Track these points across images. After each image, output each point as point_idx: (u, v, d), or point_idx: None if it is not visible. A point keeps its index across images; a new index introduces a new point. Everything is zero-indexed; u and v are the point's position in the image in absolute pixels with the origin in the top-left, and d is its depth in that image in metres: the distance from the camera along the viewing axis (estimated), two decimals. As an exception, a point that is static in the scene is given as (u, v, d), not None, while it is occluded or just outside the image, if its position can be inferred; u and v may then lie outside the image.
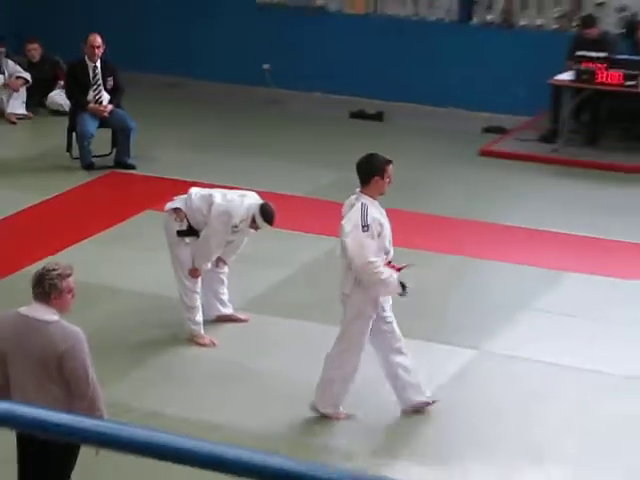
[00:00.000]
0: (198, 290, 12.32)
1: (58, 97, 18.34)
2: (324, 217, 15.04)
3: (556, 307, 13.03)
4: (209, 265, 12.44)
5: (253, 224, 12.30)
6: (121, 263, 13.88)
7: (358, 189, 11.00)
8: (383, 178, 10.98)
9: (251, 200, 12.31)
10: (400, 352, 11.18)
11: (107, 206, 15.45)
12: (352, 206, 11.01)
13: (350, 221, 10.85)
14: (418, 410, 11.26)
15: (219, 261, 12.64)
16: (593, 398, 11.44)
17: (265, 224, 12.33)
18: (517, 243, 14.69)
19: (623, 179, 16.40)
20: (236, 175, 15.91)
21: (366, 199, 10.92)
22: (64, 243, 13.95)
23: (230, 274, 12.91)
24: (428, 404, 11.27)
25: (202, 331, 12.32)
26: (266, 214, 12.21)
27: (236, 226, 12.22)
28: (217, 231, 12.17)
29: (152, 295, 13.23)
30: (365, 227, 10.70)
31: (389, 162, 11.20)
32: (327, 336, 12.17)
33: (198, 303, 12.35)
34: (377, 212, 11.01)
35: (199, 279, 12.36)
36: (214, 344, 12.36)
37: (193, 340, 12.31)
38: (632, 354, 12.14)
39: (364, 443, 10.86)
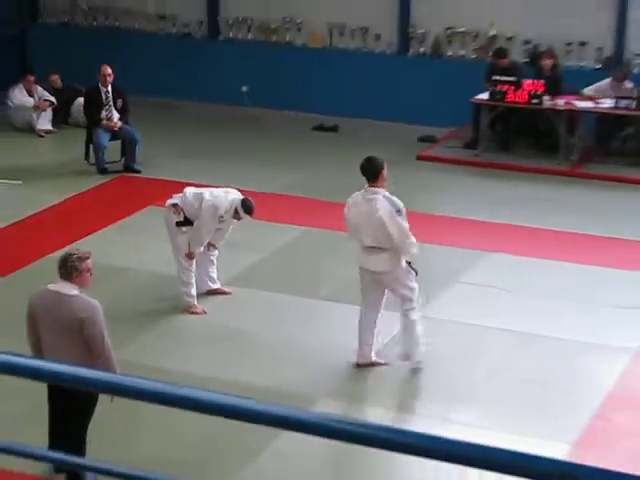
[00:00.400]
0: (193, 269, 12.42)
1: (77, 113, 18.35)
2: (292, 210, 15.33)
3: (478, 280, 13.10)
4: (202, 249, 12.50)
5: (236, 215, 12.40)
6: (128, 248, 13.92)
7: (366, 185, 11.06)
8: (385, 171, 11.11)
9: (234, 195, 12.43)
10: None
11: (117, 203, 15.49)
12: (369, 200, 11.00)
13: (384, 212, 10.82)
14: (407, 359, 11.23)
15: (210, 245, 12.70)
16: (508, 352, 11.56)
17: (246, 215, 12.43)
18: (446, 229, 14.64)
19: (529, 178, 16.30)
20: (221, 176, 15.47)
21: (382, 190, 11.02)
22: (82, 233, 13.96)
23: (218, 256, 12.92)
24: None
25: (196, 302, 12.45)
26: (246, 207, 12.32)
27: (222, 217, 12.33)
28: (206, 221, 12.23)
29: (154, 273, 13.28)
30: (399, 212, 10.82)
31: (384, 160, 11.31)
32: (294, 304, 12.73)
33: (193, 280, 12.45)
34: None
35: (194, 260, 12.45)
36: (205, 312, 12.48)
37: (188, 310, 12.43)
38: (537, 318, 12.16)
39: (323, 388, 10.88)
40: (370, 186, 11.04)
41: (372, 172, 11.11)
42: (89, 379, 4.37)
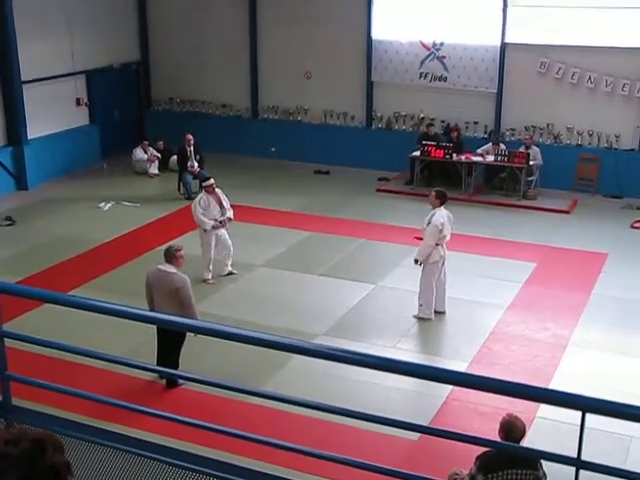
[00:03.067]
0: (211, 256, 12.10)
1: (173, 163, 18.50)
2: (301, 221, 15.08)
3: (412, 264, 11.67)
4: (209, 225, 12.02)
5: (206, 189, 12.17)
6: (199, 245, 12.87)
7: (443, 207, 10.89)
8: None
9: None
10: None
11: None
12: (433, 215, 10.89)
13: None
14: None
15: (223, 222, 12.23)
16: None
17: (204, 183, 12.28)
18: (394, 233, 14.23)
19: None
20: (258, 201, 15.76)
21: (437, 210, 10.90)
22: (175, 234, 13.62)
23: (252, 249, 12.79)
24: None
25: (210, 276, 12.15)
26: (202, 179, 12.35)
27: (200, 201, 12.09)
28: (193, 212, 12.13)
29: (218, 260, 12.46)
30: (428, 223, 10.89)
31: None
32: (301, 278, 12.52)
33: (211, 267, 12.20)
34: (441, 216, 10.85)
35: (212, 249, 12.03)
36: (214, 283, 12.09)
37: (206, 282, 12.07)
38: (449, 287, 11.47)
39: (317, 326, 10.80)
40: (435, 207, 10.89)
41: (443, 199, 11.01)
42: (180, 323, 4.49)
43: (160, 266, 9.12)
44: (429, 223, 10.86)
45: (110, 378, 8.75)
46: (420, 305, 11.14)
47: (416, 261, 11.03)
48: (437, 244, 10.95)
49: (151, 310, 8.66)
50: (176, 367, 8.96)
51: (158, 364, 8.80)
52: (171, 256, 9.07)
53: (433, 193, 11.16)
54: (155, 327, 8.75)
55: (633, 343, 10.50)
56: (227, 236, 12.39)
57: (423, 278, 11.08)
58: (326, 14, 18.72)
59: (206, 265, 12.29)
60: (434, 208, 11.01)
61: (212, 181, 12.39)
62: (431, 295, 11.06)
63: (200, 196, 12.31)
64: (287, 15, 19.15)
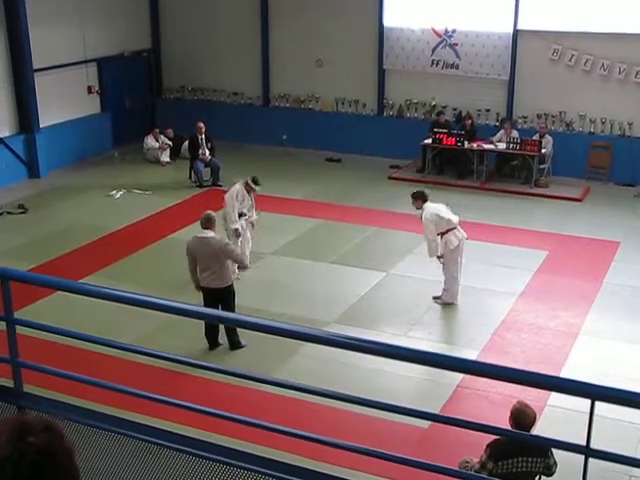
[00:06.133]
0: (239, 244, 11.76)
1: (184, 151, 18.51)
2: (312, 209, 15.09)
3: (425, 252, 12.26)
4: (237, 224, 11.69)
5: (247, 187, 11.86)
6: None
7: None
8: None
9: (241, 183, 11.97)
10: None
11: (207, 204, 14.71)
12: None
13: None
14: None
15: (251, 225, 12.08)
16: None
17: (254, 185, 11.89)
18: (406, 221, 13.62)
19: (456, 190, 15.86)
20: (269, 188, 14.89)
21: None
22: (188, 222, 13.55)
23: (263, 237, 12.74)
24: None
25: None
26: (253, 179, 11.90)
27: (237, 196, 11.78)
28: (227, 202, 11.83)
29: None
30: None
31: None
32: (313, 266, 12.54)
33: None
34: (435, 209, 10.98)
35: (239, 238, 11.76)
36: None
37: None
38: (468, 271, 11.51)
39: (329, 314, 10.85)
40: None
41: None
42: (194, 312, 4.43)
43: (199, 234, 9.62)
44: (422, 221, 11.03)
45: (123, 366, 8.79)
46: (445, 289, 11.23)
47: (438, 257, 11.09)
48: (448, 230, 10.97)
49: (196, 276, 9.56)
50: (235, 331, 9.71)
51: (209, 334, 9.69)
52: (208, 221, 9.61)
53: (411, 198, 11.32)
54: (202, 299, 9.47)
55: (644, 332, 10.50)
56: (249, 231, 12.29)
57: (445, 267, 11.15)
58: (338, 1, 18.68)
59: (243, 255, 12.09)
60: (418, 209, 11.15)
61: (259, 188, 12.10)
62: (455, 283, 11.15)
63: (237, 189, 11.93)
64: (299, 2, 19.12)
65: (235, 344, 9.79)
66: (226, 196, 11.99)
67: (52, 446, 1.96)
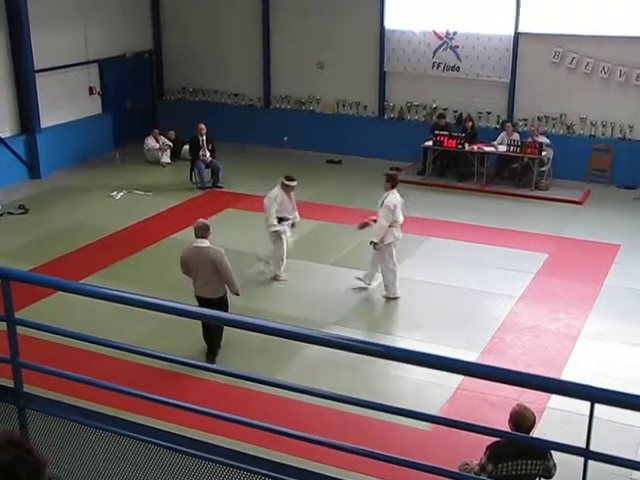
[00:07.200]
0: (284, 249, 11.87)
1: (185, 153, 18.45)
2: (314, 210, 14.90)
3: (424, 254, 12.91)
4: (276, 226, 11.64)
5: (284, 187, 11.68)
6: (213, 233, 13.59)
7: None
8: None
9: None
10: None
11: (208, 206, 15.14)
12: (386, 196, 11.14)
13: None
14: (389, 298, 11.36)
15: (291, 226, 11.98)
16: (442, 297, 11.50)
17: (289, 181, 11.68)
18: (406, 223, 13.53)
19: (456, 192, 16.09)
20: (268, 190, 15.90)
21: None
22: (188, 223, 12.91)
23: (266, 239, 12.26)
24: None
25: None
26: (287, 177, 11.75)
27: (276, 197, 11.63)
28: (266, 206, 11.71)
29: (233, 251, 12.96)
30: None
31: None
32: (314, 267, 12.53)
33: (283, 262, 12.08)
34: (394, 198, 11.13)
35: (282, 240, 11.74)
36: (286, 280, 12.01)
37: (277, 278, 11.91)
38: (459, 277, 11.96)
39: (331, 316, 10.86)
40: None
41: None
42: (194, 313, 4.45)
43: (194, 242, 9.37)
44: (382, 205, 11.10)
45: (122, 366, 8.78)
46: (386, 286, 11.40)
47: (373, 244, 11.26)
48: (391, 226, 11.19)
49: (196, 284, 9.37)
50: (219, 345, 9.62)
51: (207, 340, 9.57)
52: (203, 229, 9.34)
53: (384, 177, 11.44)
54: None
55: (645, 334, 10.49)
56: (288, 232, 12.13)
57: (381, 261, 11.35)
58: (339, 3, 18.69)
59: (278, 261, 12.08)
60: (387, 191, 11.25)
61: (295, 183, 11.88)
62: (392, 275, 11.30)
63: (276, 192, 11.75)
64: (300, 4, 19.13)
65: (214, 347, 9.62)
66: (264, 201, 11.86)
67: (14, 463, 1.87)
